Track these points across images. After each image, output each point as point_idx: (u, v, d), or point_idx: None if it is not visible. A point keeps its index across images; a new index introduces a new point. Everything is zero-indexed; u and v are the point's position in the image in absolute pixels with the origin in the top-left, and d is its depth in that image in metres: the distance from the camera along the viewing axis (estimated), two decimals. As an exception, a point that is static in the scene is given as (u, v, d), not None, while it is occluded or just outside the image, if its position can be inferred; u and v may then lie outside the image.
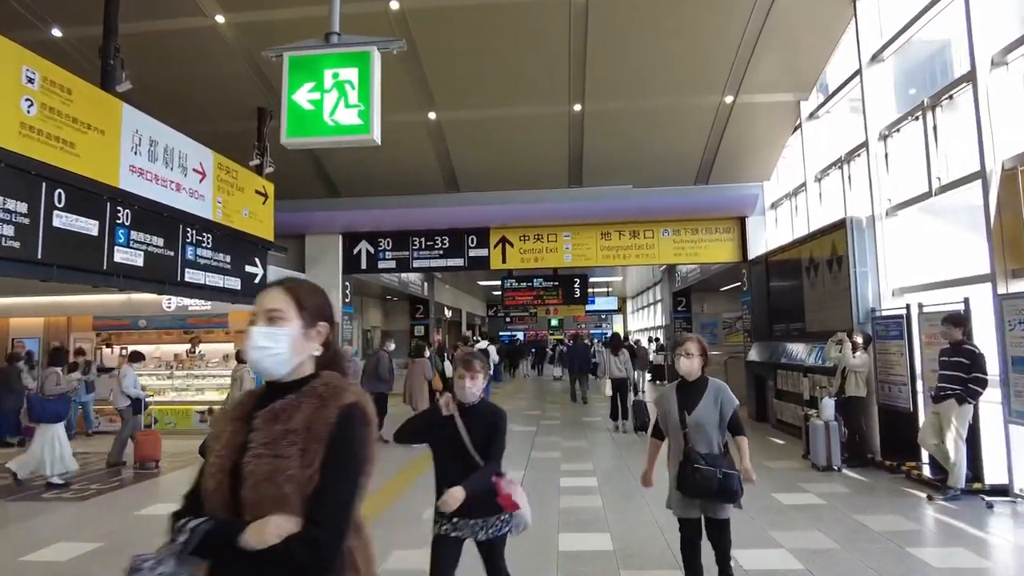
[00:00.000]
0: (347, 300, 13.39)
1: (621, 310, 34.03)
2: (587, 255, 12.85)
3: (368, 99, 4.01)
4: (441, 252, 13.12)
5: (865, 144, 8.42)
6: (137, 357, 9.30)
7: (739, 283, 13.38)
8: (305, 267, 13.21)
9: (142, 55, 9.53)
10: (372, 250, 13.30)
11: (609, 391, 12.08)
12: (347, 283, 13.41)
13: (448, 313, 25.32)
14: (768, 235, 12.48)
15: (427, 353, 11.42)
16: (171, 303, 12.15)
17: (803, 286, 9.85)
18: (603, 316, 43.38)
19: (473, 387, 3.16)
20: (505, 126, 11.29)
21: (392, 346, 11.79)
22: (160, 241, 7.46)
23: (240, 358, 10.37)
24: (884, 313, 7.80)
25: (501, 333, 41.45)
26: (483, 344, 15.18)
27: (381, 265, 13.29)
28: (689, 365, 3.52)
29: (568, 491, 6.72)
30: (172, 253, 7.74)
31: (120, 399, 8.75)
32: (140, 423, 9.18)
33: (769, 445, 9.23)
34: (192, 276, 8.27)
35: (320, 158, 12.23)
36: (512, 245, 12.97)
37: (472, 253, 13.05)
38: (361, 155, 12.08)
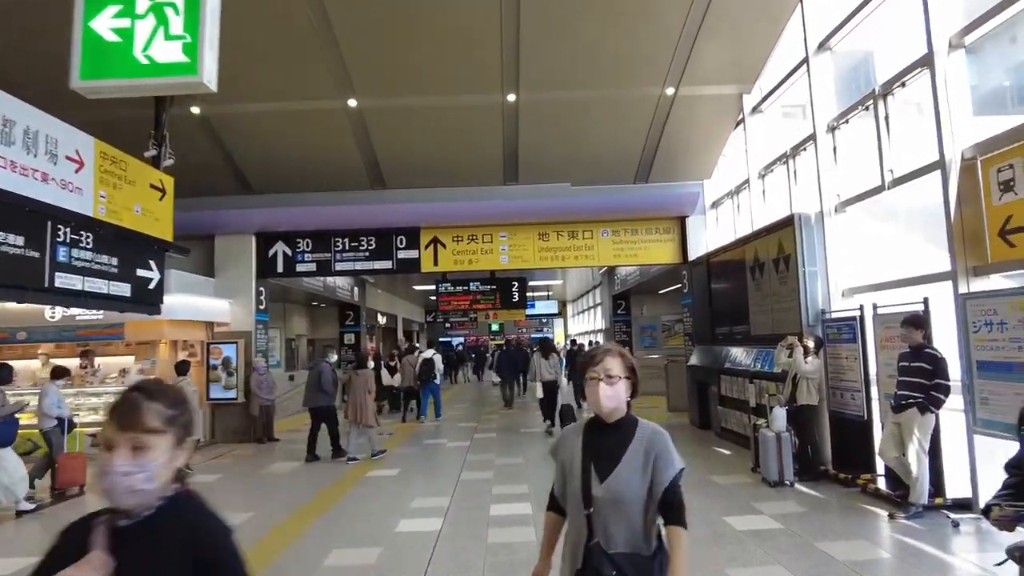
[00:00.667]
0: (262, 307, 12.23)
1: (562, 314, 33.61)
2: (524, 257, 12.13)
3: (197, 29, 3.10)
4: (367, 254, 12.14)
5: (812, 137, 8.00)
6: (61, 373, 8.49)
7: (679, 285, 12.93)
8: (214, 270, 11.99)
9: (4, 28, 8.27)
10: (290, 252, 12.20)
11: (540, 394, 12.02)
12: (262, 288, 12.25)
13: (382, 319, 24.21)
14: (709, 235, 12.06)
15: (371, 364, 10.56)
16: (55, 312, 10.75)
17: (747, 287, 9.40)
18: (544, 320, 42.95)
19: (612, 395, 2.12)
20: (434, 117, 10.44)
21: (334, 357, 10.92)
22: (19, 240, 6.26)
23: (181, 370, 9.63)
24: (835, 315, 7.36)
25: (441, 339, 40.39)
26: (428, 353, 14.25)
27: (300, 268, 12.21)
28: (605, 395, 2.11)
29: (499, 522, 5.93)
30: (37, 254, 6.52)
31: (45, 420, 8.03)
32: (64, 445, 8.26)
33: (715, 457, 8.70)
34: (65, 281, 7.03)
35: (231, 150, 11.09)
36: (444, 246, 12.12)
37: (401, 255, 12.13)
38: (277, 147, 11.04)
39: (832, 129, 7.75)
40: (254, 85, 9.77)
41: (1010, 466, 2.53)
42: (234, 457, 10.41)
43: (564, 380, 12.02)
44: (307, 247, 12.20)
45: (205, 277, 11.79)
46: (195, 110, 10.04)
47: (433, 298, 16.37)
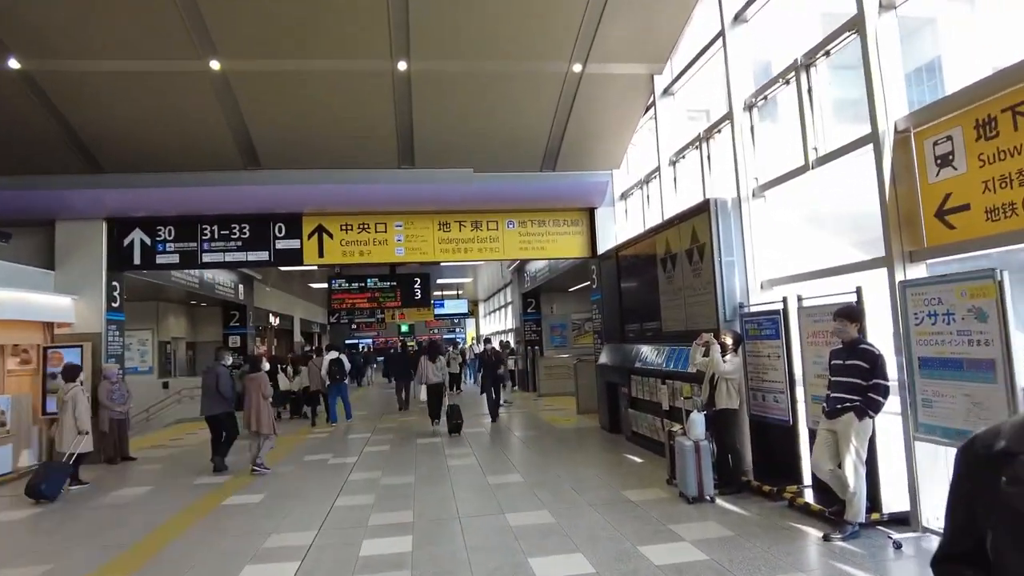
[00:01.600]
0: (116, 305, 10.46)
1: (473, 313, 32.57)
2: (423, 249, 11.00)
3: None
4: (240, 243, 10.63)
5: (728, 116, 7.35)
6: (77, 374, 8.18)
7: (589, 282, 12.20)
8: (55, 261, 10.12)
9: None
10: (149, 241, 10.50)
11: (424, 396, 12.15)
12: (116, 283, 10.47)
13: (274, 320, 22.32)
14: (618, 228, 11.38)
15: (265, 366, 9.34)
16: None
17: (658, 281, 8.71)
18: (455, 320, 41.80)
19: None
20: (313, 84, 9.12)
21: (229, 360, 9.61)
22: None
23: (70, 375, 8.26)
24: (755, 308, 6.71)
25: (347, 341, 38.42)
26: (332, 355, 13.04)
27: (161, 260, 10.53)
28: None
29: (370, 565, 4.80)
30: None
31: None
32: None
33: (626, 466, 7.92)
34: None
35: (69, 118, 9.31)
36: (331, 235, 10.80)
37: (280, 245, 10.71)
38: (128, 118, 9.38)
39: (750, 107, 7.12)
40: (91, 38, 8.14)
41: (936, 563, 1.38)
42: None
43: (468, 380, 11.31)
44: (169, 235, 10.54)
45: (42, 269, 9.92)
46: (14, 64, 8.26)
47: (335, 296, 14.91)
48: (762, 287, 6.92)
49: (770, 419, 6.22)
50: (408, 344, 23.09)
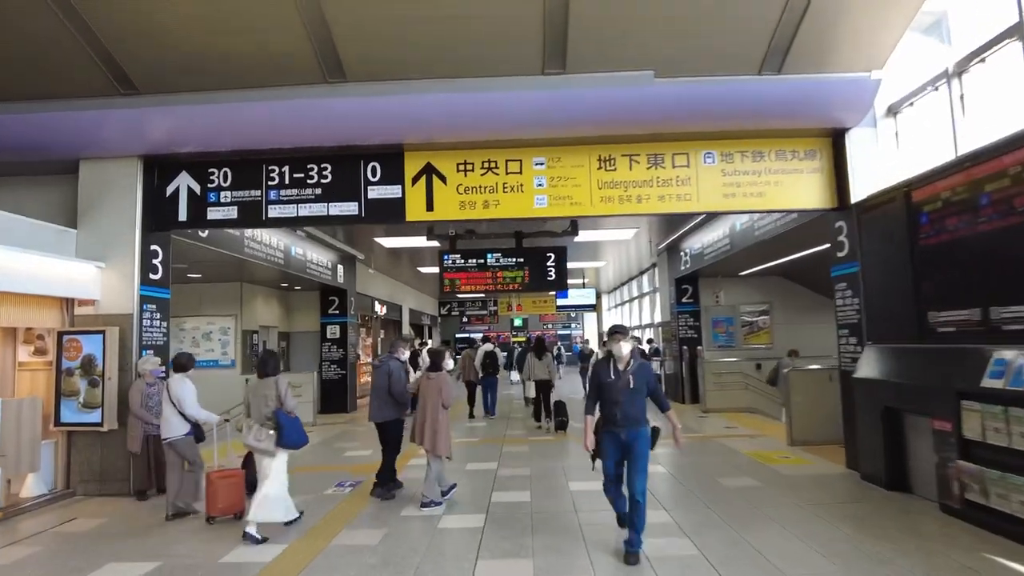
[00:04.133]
0: (156, 277, 7.66)
1: (596, 307, 28.70)
2: (575, 196, 7.39)
3: None
4: (319, 191, 7.51)
5: None
6: (186, 365, 6.49)
7: (769, 262, 8.07)
8: (77, 216, 7.44)
9: None
10: (198, 188, 7.61)
11: (532, 392, 12.11)
12: (156, 246, 7.66)
13: (381, 309, 19.62)
14: (886, 161, 7.22)
15: (448, 364, 7.47)
16: None
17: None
18: (573, 315, 38.15)
19: None
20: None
21: (406, 353, 7.14)
22: None
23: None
24: None
25: (457, 335, 35.81)
26: (487, 346, 13.93)
27: (215, 214, 7.59)
28: None
29: None
30: None
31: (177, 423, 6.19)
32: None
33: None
34: None
35: (92, 23, 6.43)
36: (444, 179, 7.43)
37: (374, 192, 7.47)
38: (170, 22, 6.40)
39: None
40: None
41: None
42: (79, 524, 5.98)
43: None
44: (225, 180, 7.60)
45: (58, 227, 7.25)
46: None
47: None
48: None
49: None
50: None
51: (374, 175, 7.46)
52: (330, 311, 15.72)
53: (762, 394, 13.89)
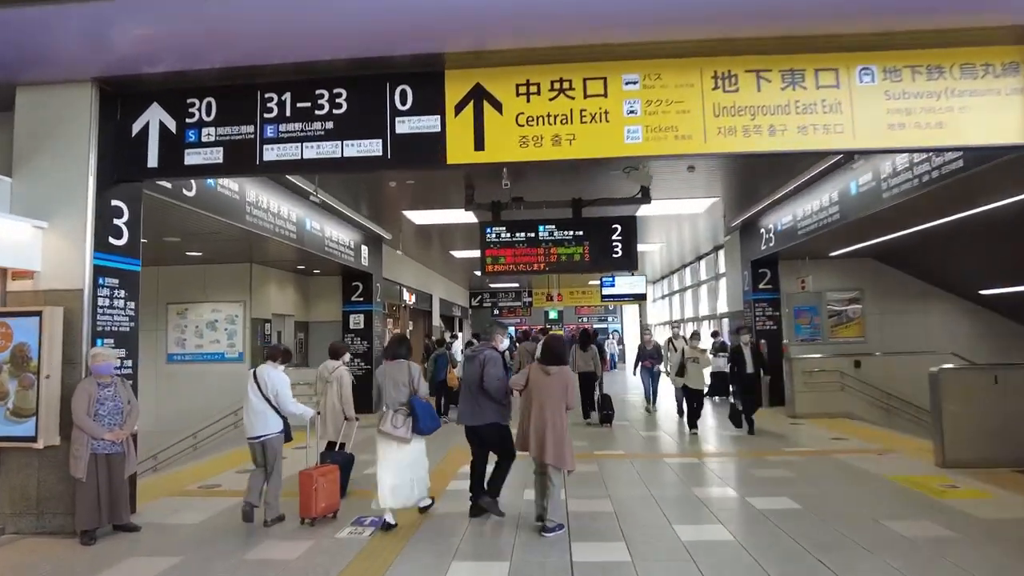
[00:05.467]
0: (119, 243, 5.82)
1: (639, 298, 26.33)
2: (680, 127, 5.34)
3: None
4: (330, 125, 5.57)
5: None
6: (279, 355, 5.84)
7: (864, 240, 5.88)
8: (12, 161, 5.63)
9: None
10: (173, 125, 5.72)
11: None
12: (119, 202, 5.82)
13: (410, 297, 17.75)
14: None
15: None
16: None
17: None
18: (611, 309, 35.97)
19: None
20: None
21: (504, 341, 5.85)
22: None
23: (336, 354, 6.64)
24: None
25: (509, 326, 33.84)
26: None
27: (194, 158, 5.68)
28: None
29: None
30: None
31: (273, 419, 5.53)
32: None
33: None
34: None
35: None
36: (499, 106, 5.44)
37: (404, 126, 5.51)
38: None
39: None
40: None
41: None
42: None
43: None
44: (208, 113, 5.70)
45: (-6, 176, 5.45)
46: None
47: (480, 273, 9.89)
48: None
49: None
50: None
51: (404, 102, 5.50)
52: (353, 298, 13.90)
53: (861, 397, 11.71)
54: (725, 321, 16.45)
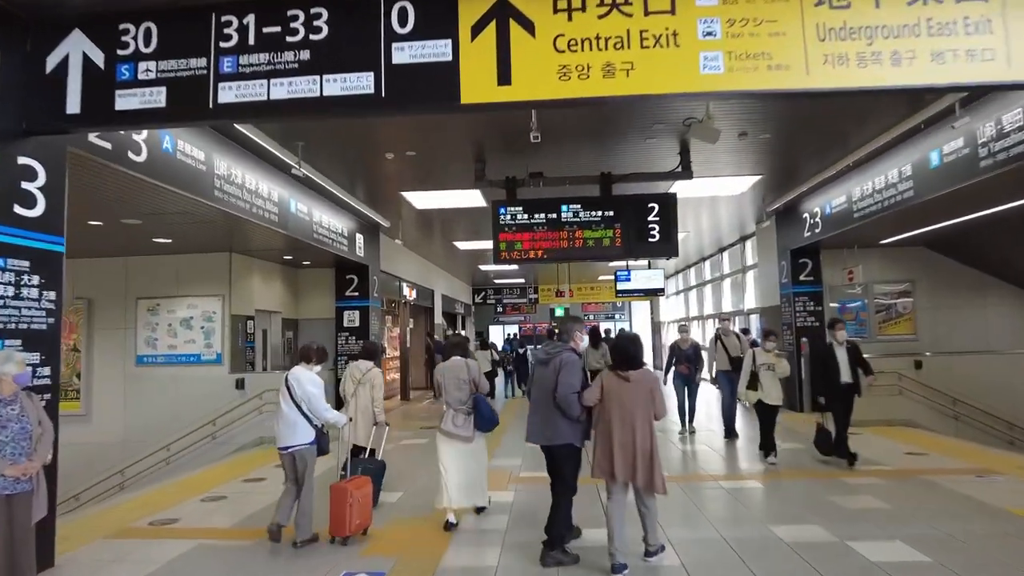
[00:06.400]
0: (33, 214, 4.45)
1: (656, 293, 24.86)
2: (777, 55, 3.96)
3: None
4: (306, 55, 4.19)
5: None
6: (313, 355, 5.17)
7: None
8: None
9: None
10: (101, 59, 4.35)
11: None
12: (35, 164, 4.46)
13: (410, 293, 16.38)
14: None
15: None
16: None
17: None
18: (618, 306, 34.57)
19: None
20: None
21: (584, 341, 4.86)
22: None
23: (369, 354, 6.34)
24: None
25: (491, 327, 32.53)
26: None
27: (127, 103, 4.29)
28: None
29: None
30: None
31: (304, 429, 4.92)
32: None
33: None
34: None
35: None
36: (530, 26, 4.07)
37: (402, 55, 4.13)
38: None
39: None
40: None
41: None
42: None
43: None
44: (146, 43, 4.33)
45: None
46: None
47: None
48: None
49: None
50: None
51: (403, 23, 4.14)
52: (348, 293, 12.57)
53: (923, 402, 10.37)
54: (753, 318, 15.12)
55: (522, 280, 26.43)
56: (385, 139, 7.59)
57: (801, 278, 11.87)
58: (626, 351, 4.35)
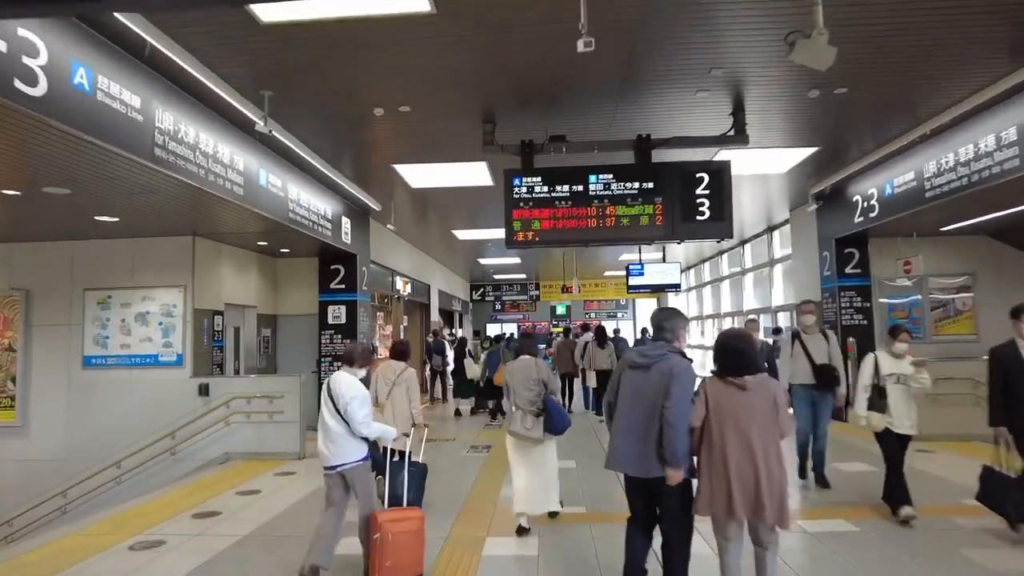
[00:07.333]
0: None
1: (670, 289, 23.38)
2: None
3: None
4: None
5: None
6: (357, 358, 4.50)
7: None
8: None
9: None
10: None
11: (595, 383, 11.39)
12: None
13: (404, 287, 14.90)
14: None
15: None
16: None
17: None
18: (622, 303, 33.15)
19: None
20: None
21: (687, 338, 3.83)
22: None
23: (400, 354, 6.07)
24: None
25: (489, 326, 31.02)
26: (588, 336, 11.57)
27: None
28: None
29: None
30: None
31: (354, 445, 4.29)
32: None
33: None
34: None
35: None
36: None
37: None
38: None
39: None
40: None
41: None
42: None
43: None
44: None
45: None
46: None
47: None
48: None
49: None
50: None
51: None
52: (333, 285, 11.10)
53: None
54: (781, 316, 13.73)
55: (523, 275, 25.02)
56: (374, 89, 6.10)
57: (847, 270, 10.48)
58: (738, 352, 3.34)
